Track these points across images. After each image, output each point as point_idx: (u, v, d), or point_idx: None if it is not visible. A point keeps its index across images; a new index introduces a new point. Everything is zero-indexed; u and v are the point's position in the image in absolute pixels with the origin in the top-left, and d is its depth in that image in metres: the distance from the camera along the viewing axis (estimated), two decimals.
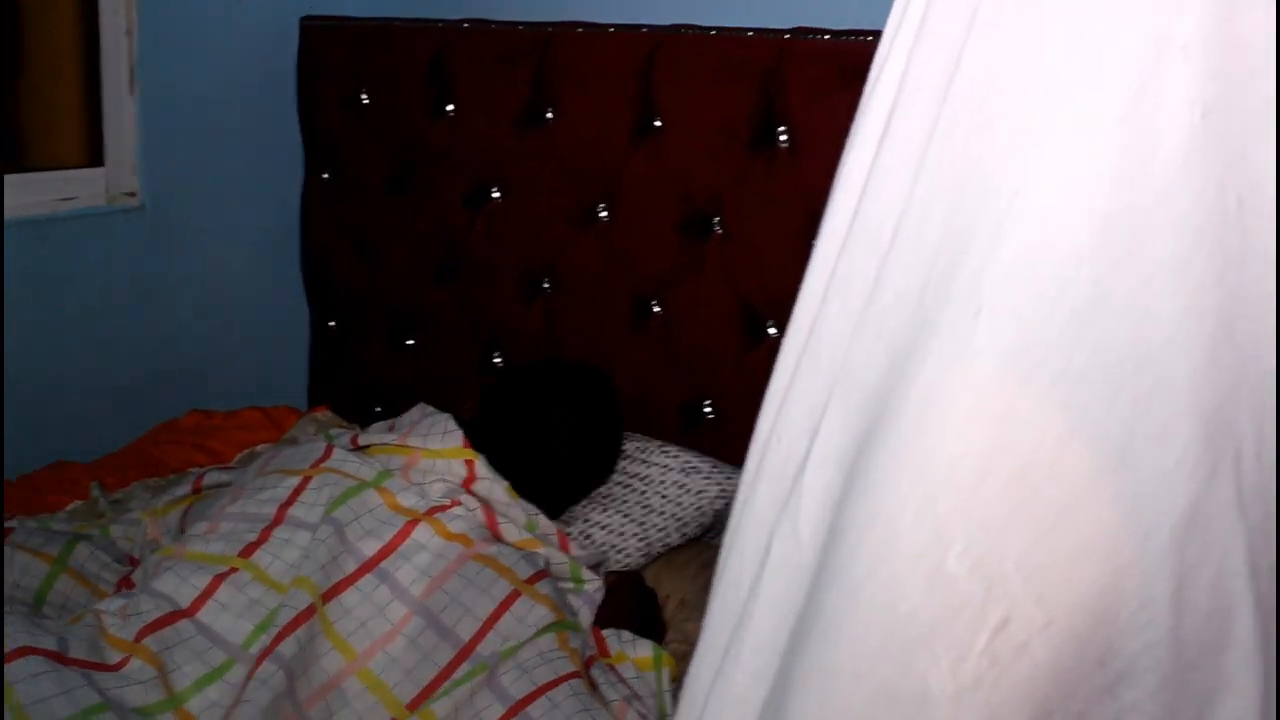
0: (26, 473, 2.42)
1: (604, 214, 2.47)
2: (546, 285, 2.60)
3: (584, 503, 2.25)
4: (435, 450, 2.05)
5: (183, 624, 1.78)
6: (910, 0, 0.97)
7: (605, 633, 1.90)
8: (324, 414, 2.81)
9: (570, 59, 2.48)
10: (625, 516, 2.20)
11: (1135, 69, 0.80)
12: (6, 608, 1.78)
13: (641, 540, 2.18)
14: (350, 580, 1.81)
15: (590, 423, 2.28)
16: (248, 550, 1.87)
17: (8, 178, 2.50)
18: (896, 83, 0.96)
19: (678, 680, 1.84)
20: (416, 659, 1.76)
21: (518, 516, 2.01)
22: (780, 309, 2.21)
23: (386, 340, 2.94)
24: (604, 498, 2.24)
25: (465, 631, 1.78)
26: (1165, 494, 0.80)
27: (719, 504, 2.21)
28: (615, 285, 2.48)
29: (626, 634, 1.90)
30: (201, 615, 1.79)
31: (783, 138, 2.16)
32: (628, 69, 2.37)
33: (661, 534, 2.20)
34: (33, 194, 2.60)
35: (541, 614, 1.81)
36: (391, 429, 2.16)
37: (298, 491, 1.95)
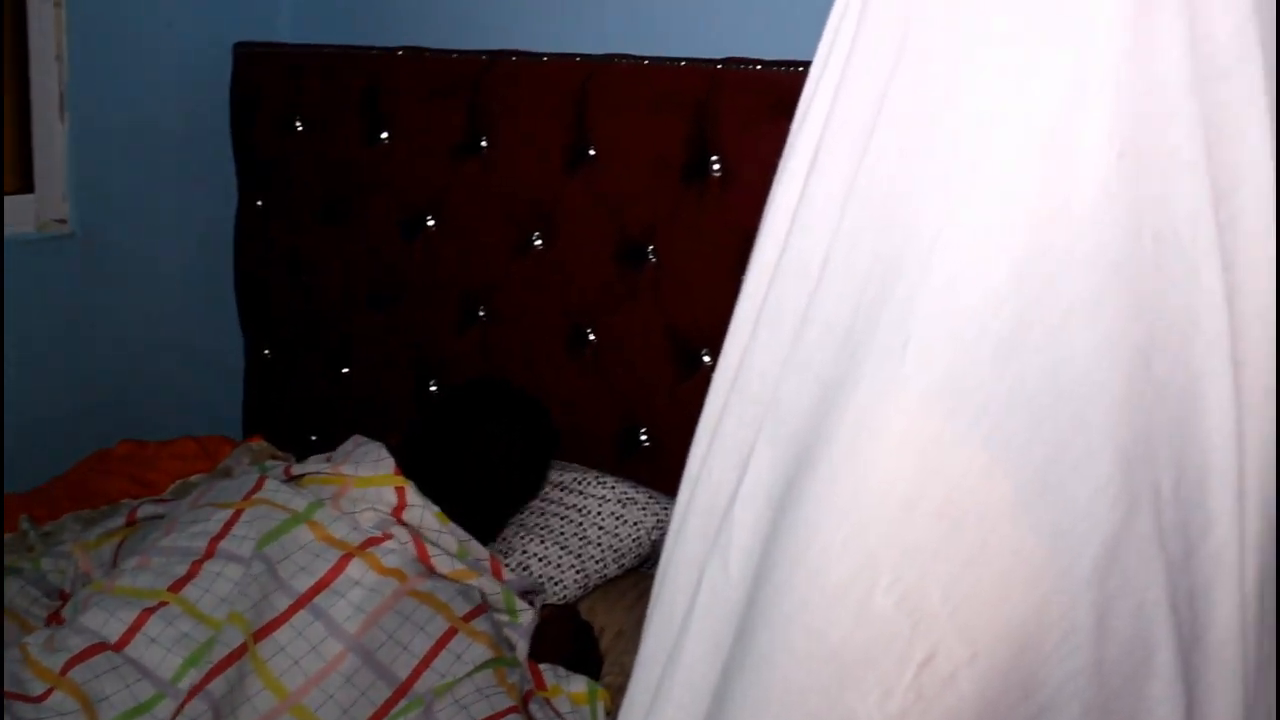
0: None
1: (539, 243, 2.47)
2: (482, 314, 2.60)
3: (521, 535, 2.24)
4: (366, 478, 2.04)
5: (111, 656, 1.76)
6: (836, 38, 0.99)
7: (542, 667, 1.90)
8: (259, 443, 2.78)
9: (505, 88, 2.48)
10: (562, 549, 2.20)
11: (1053, 109, 0.82)
12: None
13: (579, 572, 2.18)
14: (283, 618, 1.80)
15: (521, 437, 2.26)
16: (177, 584, 1.85)
17: None
18: (824, 117, 0.97)
19: (612, 714, 1.84)
20: (353, 697, 1.74)
21: (449, 544, 2.00)
22: (714, 337, 2.19)
23: (322, 368, 2.92)
24: (541, 530, 2.24)
25: (402, 669, 1.77)
26: (1086, 526, 0.81)
27: (656, 534, 2.21)
28: (550, 314, 2.48)
29: (562, 669, 1.90)
30: (130, 649, 1.77)
31: (715, 167, 2.17)
32: (562, 98, 2.37)
33: (599, 565, 2.20)
34: None
35: (479, 651, 1.80)
36: (328, 460, 2.15)
37: (229, 525, 1.93)
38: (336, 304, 2.86)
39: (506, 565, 2.12)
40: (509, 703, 1.72)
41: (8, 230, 2.64)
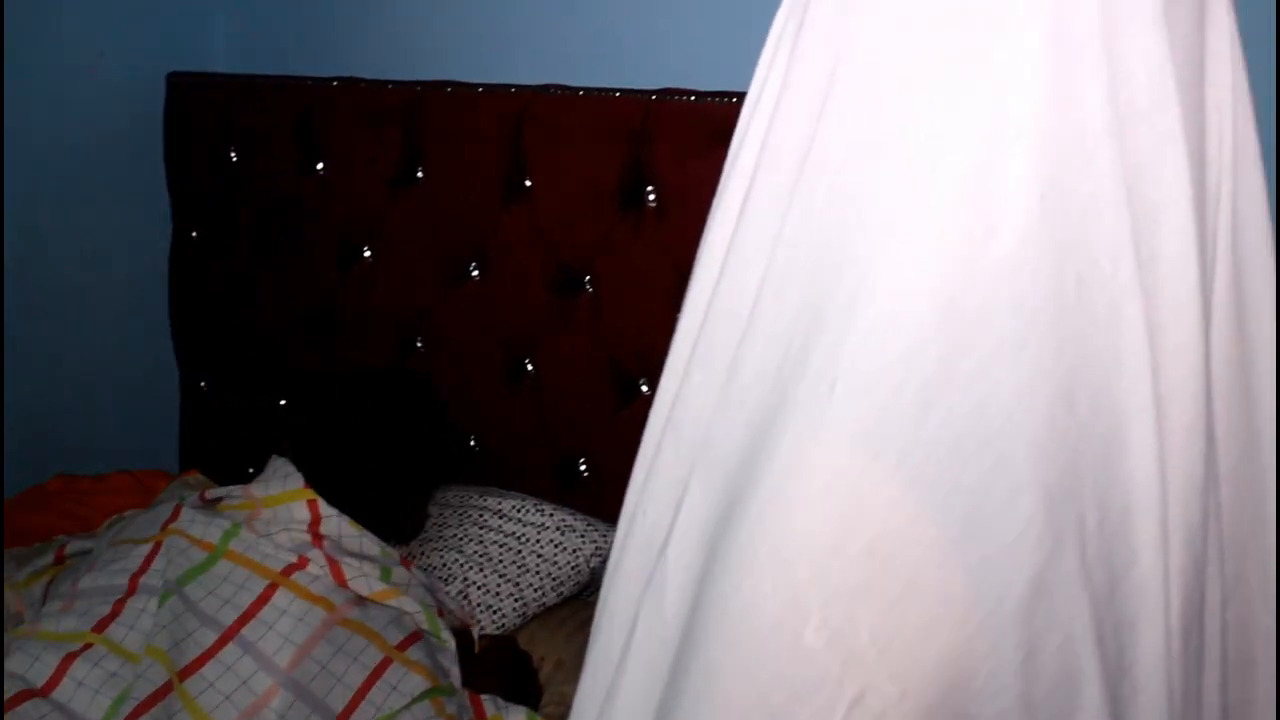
0: None
1: (476, 273, 2.47)
2: (419, 344, 2.59)
3: (460, 562, 2.23)
4: (276, 496, 2.01)
5: (39, 703, 1.74)
6: (766, 81, 1.00)
7: (482, 697, 1.89)
8: (195, 477, 2.76)
9: (440, 118, 2.48)
10: (501, 577, 2.19)
11: (975, 154, 0.83)
12: None
13: (518, 601, 2.17)
14: (210, 652, 1.77)
15: (393, 416, 2.22)
16: (101, 624, 1.83)
17: None
18: (755, 159, 0.98)
19: None
20: None
21: (371, 550, 1.98)
22: (652, 366, 2.22)
23: (259, 400, 2.90)
24: (480, 558, 2.23)
25: (337, 702, 1.76)
26: (1011, 565, 0.82)
27: (595, 562, 2.22)
28: (488, 343, 2.48)
29: (501, 700, 1.89)
30: (57, 694, 1.75)
31: (651, 197, 2.18)
32: (497, 128, 2.37)
33: (538, 594, 2.19)
34: None
35: (416, 682, 1.79)
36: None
37: (149, 559, 1.91)
38: (273, 335, 2.85)
39: (447, 592, 2.11)
40: None
41: None
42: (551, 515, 2.28)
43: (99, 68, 2.84)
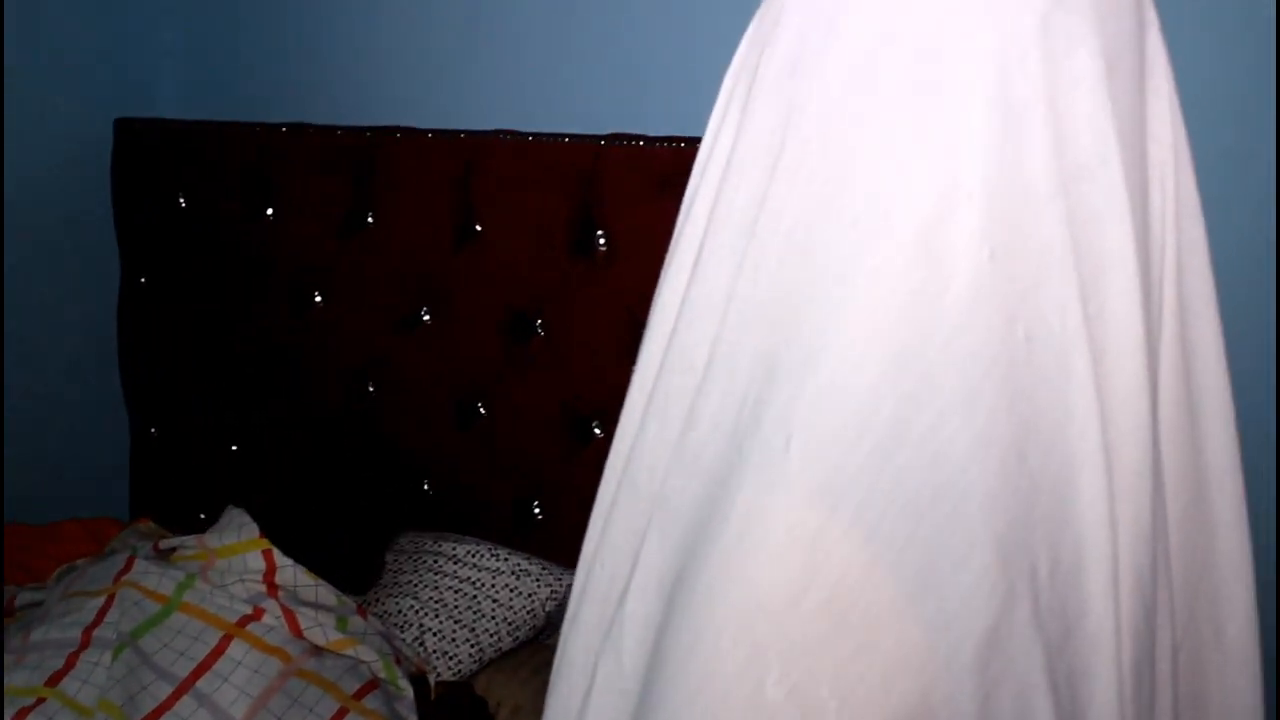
0: None
1: (427, 317, 2.48)
2: (372, 388, 2.59)
3: (416, 608, 2.23)
4: (230, 546, 2.01)
5: None
6: (718, 138, 1.01)
7: None
8: (147, 525, 2.73)
9: (390, 164, 2.48)
10: (457, 623, 2.19)
11: (926, 214, 0.84)
12: None
13: (473, 646, 2.17)
14: (165, 706, 1.76)
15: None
16: (54, 678, 1.82)
17: None
18: (707, 215, 1.00)
19: None
20: None
21: (327, 599, 1.97)
22: (605, 408, 2.23)
23: (211, 446, 2.89)
24: (435, 604, 2.23)
25: None
26: (966, 616, 0.84)
27: (550, 606, 2.22)
28: (440, 388, 2.48)
29: None
30: None
31: (601, 241, 2.19)
32: (447, 174, 2.38)
33: (493, 639, 2.19)
34: None
35: None
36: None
37: (103, 612, 1.90)
38: (224, 381, 2.84)
39: (403, 640, 2.10)
40: None
41: None
42: (506, 560, 2.27)
43: (46, 114, 2.83)
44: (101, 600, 1.92)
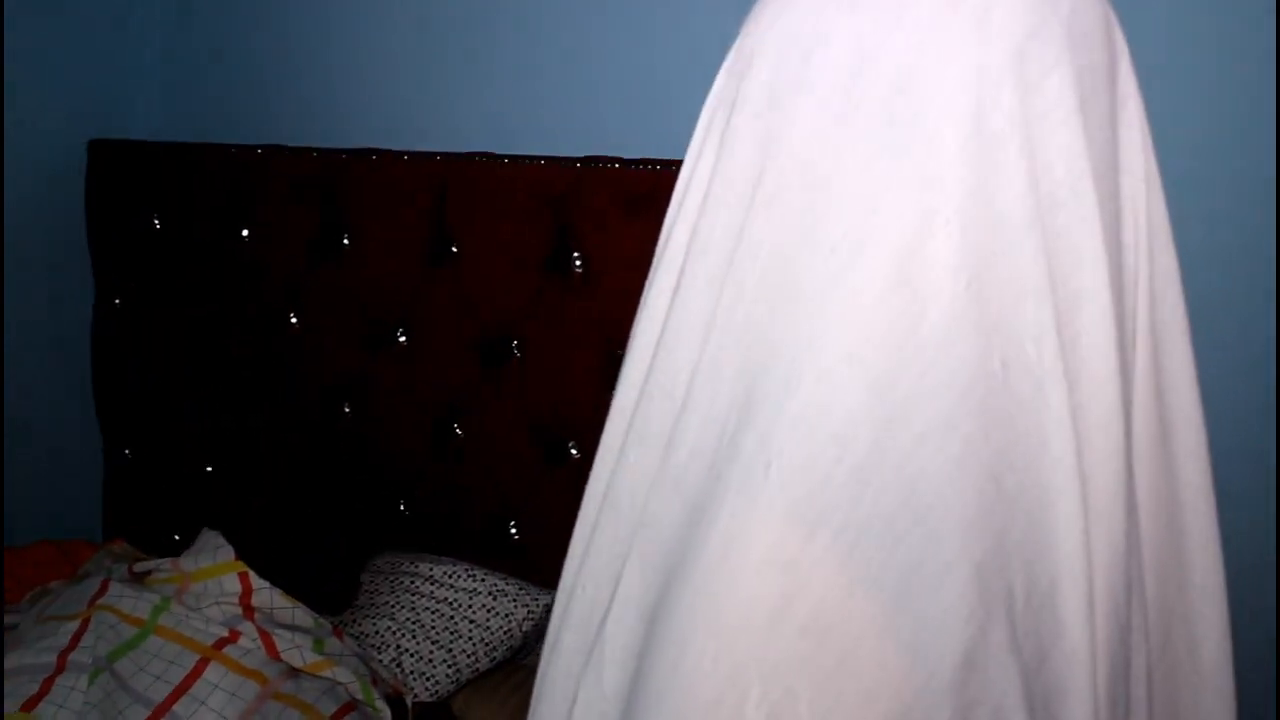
0: None
1: (403, 338, 2.48)
2: (348, 409, 2.59)
3: (393, 629, 2.23)
4: (205, 569, 2.01)
5: None
6: (696, 167, 1.02)
7: None
8: (121, 546, 2.73)
9: (365, 186, 2.49)
10: (434, 643, 2.19)
11: (902, 243, 0.86)
12: None
13: (450, 666, 2.17)
14: None
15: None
16: (30, 703, 1.81)
17: None
18: (686, 242, 1.01)
19: None
20: None
21: (303, 621, 1.97)
22: (581, 429, 2.24)
23: (185, 468, 2.88)
24: (412, 625, 2.23)
25: None
26: (943, 639, 0.85)
27: (527, 626, 2.22)
28: (416, 408, 2.48)
29: None
30: None
31: (577, 263, 2.20)
32: (423, 195, 2.39)
33: (470, 660, 2.19)
34: None
35: None
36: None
37: (78, 636, 1.89)
38: (199, 402, 2.83)
39: (380, 660, 2.10)
40: None
41: None
42: (483, 580, 2.28)
43: (19, 136, 2.82)
44: (76, 624, 1.92)
